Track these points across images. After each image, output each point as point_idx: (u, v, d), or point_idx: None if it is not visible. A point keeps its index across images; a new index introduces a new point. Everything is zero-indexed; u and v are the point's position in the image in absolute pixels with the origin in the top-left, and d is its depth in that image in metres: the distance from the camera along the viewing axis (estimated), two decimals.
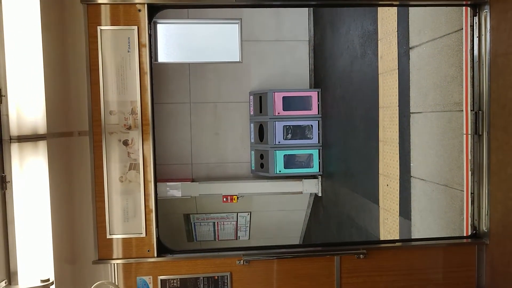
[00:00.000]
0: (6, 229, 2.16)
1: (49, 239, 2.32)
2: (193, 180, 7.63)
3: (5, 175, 2.16)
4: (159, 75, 7.46)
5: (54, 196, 2.36)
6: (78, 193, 2.65)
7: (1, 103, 2.15)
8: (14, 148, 2.18)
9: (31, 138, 2.25)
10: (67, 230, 2.58)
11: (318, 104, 7.28)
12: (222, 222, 8.30)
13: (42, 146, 2.30)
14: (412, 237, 4.16)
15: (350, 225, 5.95)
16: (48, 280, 2.08)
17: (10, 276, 2.18)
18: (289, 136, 7.36)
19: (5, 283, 2.13)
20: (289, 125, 7.34)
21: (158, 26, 7.70)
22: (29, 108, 2.25)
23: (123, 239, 2.65)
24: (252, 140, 7.66)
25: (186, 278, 2.70)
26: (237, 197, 7.39)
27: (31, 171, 2.26)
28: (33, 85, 2.27)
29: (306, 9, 7.69)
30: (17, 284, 2.17)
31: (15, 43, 2.19)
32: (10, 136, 2.17)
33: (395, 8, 4.35)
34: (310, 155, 7.37)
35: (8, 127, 2.16)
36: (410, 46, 4.11)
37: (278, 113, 7.26)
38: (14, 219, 2.18)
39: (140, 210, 2.64)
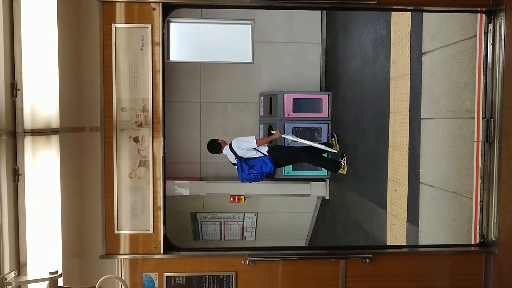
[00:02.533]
0: (17, 221, 2.20)
1: (58, 233, 2.36)
2: (201, 179, 7.66)
3: (17, 168, 2.20)
4: (170, 74, 7.50)
5: (65, 190, 2.40)
6: (87, 188, 2.69)
7: (16, 96, 2.19)
8: (28, 141, 2.22)
9: (44, 132, 2.28)
10: (76, 224, 2.61)
11: (328, 107, 7.26)
12: (228, 222, 8.32)
13: (55, 140, 2.34)
14: (419, 244, 4.13)
15: (356, 229, 5.93)
16: (56, 272, 2.11)
17: (20, 267, 2.22)
18: None
19: (15, 273, 2.17)
20: (299, 127, 7.32)
21: (172, 25, 7.75)
22: (43, 102, 2.29)
23: (131, 235, 2.67)
24: None
25: (191, 276, 2.72)
26: (244, 198, 7.40)
27: (43, 164, 2.29)
28: (47, 80, 2.31)
29: (319, 11, 7.68)
30: (26, 275, 2.21)
31: (32, 39, 2.23)
32: (24, 130, 2.21)
33: (409, 13, 4.33)
34: None
35: (22, 120, 2.20)
36: (423, 51, 4.08)
37: (288, 115, 7.25)
38: (25, 212, 2.21)
39: (148, 207, 2.66)
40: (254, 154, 5.79)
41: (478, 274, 2.79)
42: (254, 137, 5.74)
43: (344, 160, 6.35)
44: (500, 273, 2.70)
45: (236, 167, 5.80)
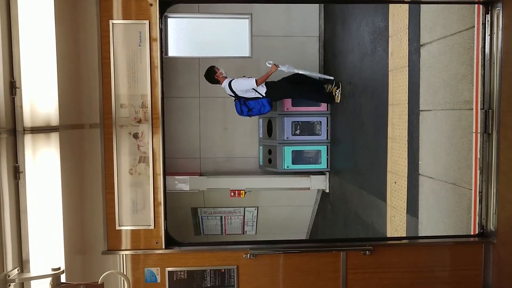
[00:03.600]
0: (19, 218, 2.21)
1: (60, 229, 2.37)
2: (201, 174, 7.67)
3: (18, 166, 2.20)
4: (169, 69, 7.49)
5: (65, 187, 2.41)
6: (88, 184, 2.70)
7: (16, 95, 2.20)
8: (28, 139, 2.22)
9: (44, 129, 2.29)
10: (78, 220, 2.62)
11: None
12: (229, 217, 8.35)
13: (55, 137, 2.34)
14: (419, 235, 4.16)
15: (357, 221, 5.96)
16: (59, 268, 2.12)
17: (23, 264, 2.23)
18: (298, 132, 7.35)
19: (18, 270, 2.18)
20: (298, 121, 7.33)
21: (169, 20, 7.72)
22: (42, 100, 2.29)
23: (132, 230, 2.69)
24: (261, 136, 7.67)
25: (193, 270, 2.74)
26: (245, 192, 7.42)
27: (43, 162, 2.30)
28: (46, 78, 2.31)
29: (317, 5, 7.65)
30: (29, 272, 2.22)
31: (30, 37, 2.23)
32: (23, 128, 2.21)
33: (407, 5, 4.32)
34: (318, 151, 7.37)
35: (22, 118, 2.21)
36: (421, 43, 4.08)
37: (287, 109, 7.25)
38: (26, 209, 2.22)
39: (149, 203, 2.67)
40: (253, 95, 6.08)
41: (478, 264, 2.81)
42: (254, 80, 5.93)
43: (338, 90, 6.53)
44: (499, 263, 2.73)
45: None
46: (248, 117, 6.45)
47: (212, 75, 6.10)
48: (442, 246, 2.85)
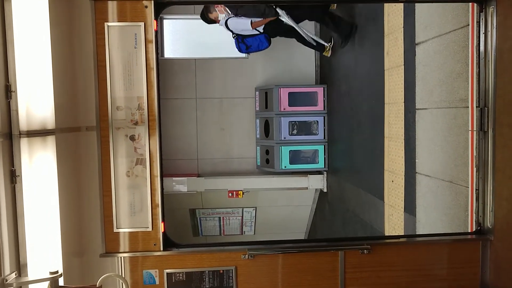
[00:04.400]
0: (16, 222, 2.21)
1: (58, 232, 2.37)
2: (199, 175, 7.66)
3: (15, 169, 2.20)
4: (165, 71, 7.48)
5: (62, 190, 2.40)
6: (85, 187, 2.69)
7: (11, 98, 2.19)
8: (24, 143, 2.22)
9: (40, 133, 2.29)
10: (75, 223, 2.62)
11: (324, 100, 7.27)
12: (227, 217, 8.34)
13: (51, 141, 2.34)
14: (416, 233, 4.17)
15: (355, 221, 5.97)
16: (57, 272, 2.12)
17: (20, 268, 2.23)
18: (295, 132, 7.36)
19: (15, 274, 2.18)
20: (295, 121, 7.33)
21: (164, 21, 7.71)
22: (38, 103, 2.29)
23: (130, 233, 2.69)
24: (258, 136, 7.68)
25: (191, 271, 2.74)
26: (243, 192, 7.42)
27: (40, 165, 2.30)
28: (42, 81, 2.31)
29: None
30: (27, 276, 2.22)
31: (24, 40, 2.22)
32: (19, 131, 2.21)
33: (401, 4, 4.34)
34: (316, 151, 7.37)
35: (17, 122, 2.20)
36: (416, 42, 4.09)
37: (284, 109, 7.25)
38: (23, 213, 2.22)
39: (146, 205, 2.67)
40: (250, 32, 6.09)
41: (475, 261, 2.82)
42: (249, 22, 5.96)
43: (330, 44, 6.60)
44: (496, 260, 2.74)
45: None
46: (247, 53, 6.53)
47: (208, 11, 6.16)
48: (439, 244, 2.86)
